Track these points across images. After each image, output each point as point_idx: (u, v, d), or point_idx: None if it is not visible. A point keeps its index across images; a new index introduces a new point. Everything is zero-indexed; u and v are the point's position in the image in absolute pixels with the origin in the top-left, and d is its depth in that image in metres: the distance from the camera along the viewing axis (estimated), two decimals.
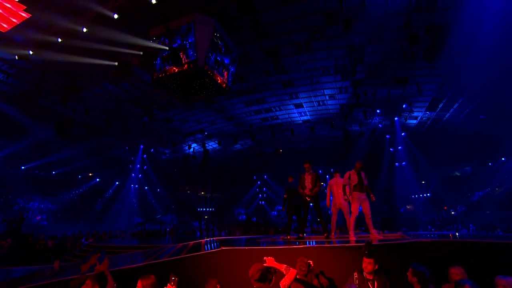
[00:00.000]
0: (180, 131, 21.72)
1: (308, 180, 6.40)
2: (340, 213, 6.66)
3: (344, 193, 6.14)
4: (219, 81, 11.80)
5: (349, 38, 11.77)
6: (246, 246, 4.13)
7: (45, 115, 15.31)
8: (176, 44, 10.43)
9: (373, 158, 22.21)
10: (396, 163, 23.19)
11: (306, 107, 18.70)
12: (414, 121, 19.65)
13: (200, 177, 27.35)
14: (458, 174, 24.07)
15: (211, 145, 24.69)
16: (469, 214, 18.06)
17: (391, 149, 22.23)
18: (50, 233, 14.50)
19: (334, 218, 6.73)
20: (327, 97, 17.25)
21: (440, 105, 17.22)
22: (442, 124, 19.73)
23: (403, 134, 20.21)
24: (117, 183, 24.99)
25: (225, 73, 12.00)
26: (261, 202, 29.96)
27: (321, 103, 18.03)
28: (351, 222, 6.04)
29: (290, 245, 4.04)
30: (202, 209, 30.14)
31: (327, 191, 6.86)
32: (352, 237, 5.69)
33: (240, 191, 29.27)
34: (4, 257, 8.54)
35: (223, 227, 20.65)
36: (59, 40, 7.97)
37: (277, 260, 2.64)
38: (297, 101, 18.09)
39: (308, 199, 6.27)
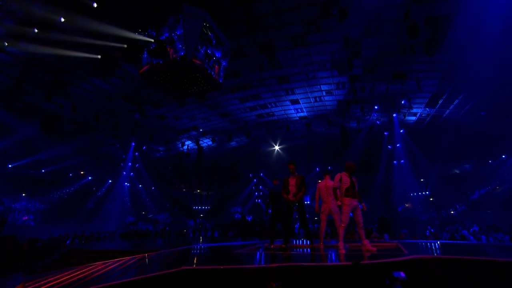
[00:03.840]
0: (173, 128, 21.28)
1: (292, 184, 5.82)
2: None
3: (336, 198, 5.47)
4: (210, 76, 11.32)
5: (346, 30, 11.35)
6: (213, 265, 3.59)
7: (32, 112, 14.83)
8: (163, 37, 9.95)
9: (370, 156, 21.86)
10: (394, 161, 22.82)
11: (302, 103, 18.29)
12: (413, 118, 19.28)
13: (195, 175, 26.96)
14: (457, 171, 23.77)
15: (206, 142, 24.28)
16: (469, 214, 17.78)
17: (389, 146, 21.85)
18: (37, 234, 14.05)
19: (323, 226, 6.05)
20: (324, 93, 16.84)
21: (440, 101, 16.85)
22: (442, 121, 19.39)
23: (401, 131, 19.83)
24: (110, 181, 24.56)
25: (216, 67, 11.52)
26: (258, 200, 29.61)
27: (318, 99, 17.62)
28: (340, 232, 5.34)
29: (265, 263, 3.55)
30: (198, 208, 29.78)
31: (316, 196, 6.26)
32: (342, 249, 5.10)
33: (236, 189, 28.92)
34: None
35: (216, 227, 20.29)
36: (36, 30, 7.51)
37: (246, 284, 2.24)
38: (293, 97, 17.68)
39: (292, 205, 5.69)
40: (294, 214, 6.03)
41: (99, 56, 8.88)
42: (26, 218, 17.39)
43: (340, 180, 5.45)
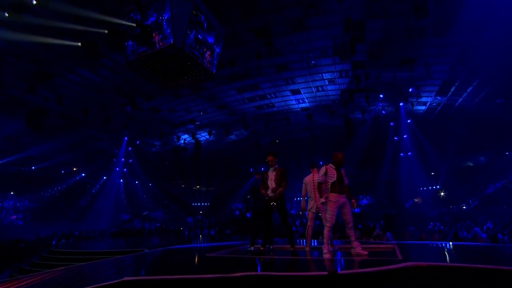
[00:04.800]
0: (168, 121, 20.94)
1: (271, 178, 5.29)
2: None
3: (321, 194, 4.96)
4: (201, 64, 10.83)
5: (348, 12, 10.74)
6: (164, 275, 3.17)
7: (16, 106, 14.55)
8: (149, 22, 9.45)
9: (375, 148, 21.30)
10: (401, 153, 22.15)
11: (304, 93, 17.76)
12: (423, 107, 18.62)
13: (193, 170, 26.71)
14: (471, 164, 23.08)
15: (204, 136, 23.93)
16: (482, 209, 17.20)
17: (395, 137, 21.19)
18: (25, 234, 13.95)
19: (310, 225, 5.62)
20: (326, 82, 16.28)
21: (452, 89, 16.16)
22: (454, 110, 18.70)
23: (409, 121, 19.14)
24: (104, 177, 24.43)
25: (208, 53, 10.98)
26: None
27: (320, 88, 17.07)
28: (325, 233, 4.84)
29: (229, 271, 3.14)
30: (197, 204, 29.61)
31: (303, 191, 5.81)
32: (326, 253, 4.60)
33: (236, 185, 28.60)
34: None
35: (213, 225, 20.04)
36: (6, 14, 7.11)
37: None
38: (293, 87, 17.16)
39: (271, 202, 5.16)
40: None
41: (79, 44, 8.45)
42: (15, 217, 17.28)
43: (326, 173, 4.91)
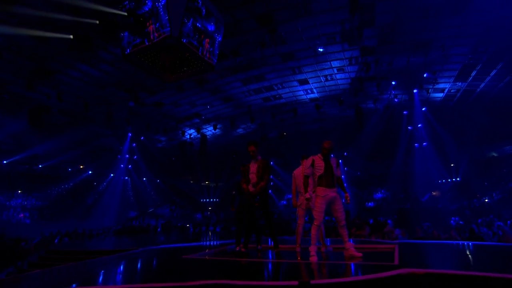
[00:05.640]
0: (173, 116, 20.90)
1: (253, 171, 4.91)
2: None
3: (306, 189, 4.50)
4: (200, 54, 10.55)
5: None
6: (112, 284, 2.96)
7: (18, 104, 14.76)
8: (144, 10, 9.18)
9: (388, 139, 20.59)
10: (416, 144, 21.29)
11: (312, 83, 17.30)
12: (440, 94, 17.82)
13: (201, 165, 26.71)
14: (494, 154, 22.04)
15: (210, 130, 23.80)
16: (507, 203, 16.39)
17: (409, 127, 20.39)
18: (32, 232, 14.32)
19: (300, 223, 5.16)
20: (335, 70, 15.77)
21: (473, 73, 15.34)
22: (476, 96, 17.82)
23: (423, 109, 18.31)
24: (111, 175, 24.77)
25: (207, 42, 10.65)
26: (268, 191, 29.06)
27: (328, 77, 16.57)
28: (312, 233, 4.35)
29: (187, 279, 2.86)
30: (206, 200, 29.71)
31: (292, 186, 5.39)
32: (313, 255, 4.13)
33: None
34: None
35: (222, 221, 20.00)
36: None
37: None
38: (301, 77, 16.72)
39: (252, 198, 4.78)
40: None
41: (71, 36, 8.35)
42: (22, 215, 17.76)
43: (312, 164, 4.47)
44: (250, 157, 5.04)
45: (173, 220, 22.28)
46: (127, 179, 26.43)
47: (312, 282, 2.48)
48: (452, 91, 17.53)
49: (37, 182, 20.70)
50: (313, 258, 4.07)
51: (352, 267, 3.76)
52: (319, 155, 4.52)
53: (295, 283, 2.43)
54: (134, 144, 23.37)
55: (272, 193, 28.01)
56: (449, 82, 16.50)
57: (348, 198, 4.47)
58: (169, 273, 3.83)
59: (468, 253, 4.79)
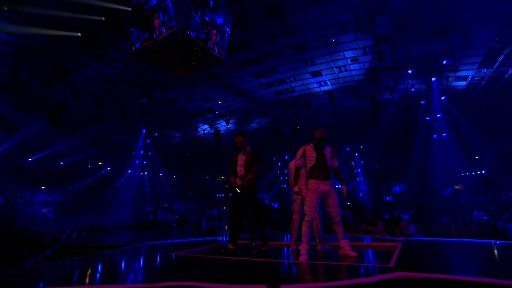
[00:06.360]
0: (186, 111, 21.09)
1: (240, 163, 4.64)
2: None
3: (296, 181, 4.18)
4: (208, 48, 10.47)
5: None
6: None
7: (38, 104, 15.36)
8: (151, 4, 9.18)
9: (404, 130, 19.76)
10: (434, 135, 20.28)
11: (325, 75, 16.88)
12: (463, 83, 16.87)
13: (215, 160, 26.88)
14: None
15: (224, 125, 23.87)
16: None
17: (427, 117, 19.43)
18: (54, 226, 15.05)
19: (295, 219, 4.82)
20: (349, 61, 15.29)
21: (500, 58, 14.37)
22: (503, 83, 16.72)
23: (442, 98, 17.37)
24: (129, 171, 25.48)
25: (214, 33, 10.53)
26: (283, 185, 28.91)
27: (342, 68, 16.09)
28: (303, 230, 4.01)
29: (162, 278, 2.72)
30: (221, 195, 29.94)
31: (290, 179, 5.03)
32: (303, 254, 3.83)
33: (259, 174, 28.43)
34: None
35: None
36: (5, 8, 7.27)
37: None
38: (314, 69, 16.34)
39: (240, 192, 4.51)
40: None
41: (79, 34, 8.50)
42: (45, 210, 18.67)
43: (304, 155, 4.12)
44: (238, 148, 4.81)
45: (188, 215, 22.64)
46: (142, 174, 27.10)
47: (283, 286, 2.30)
48: (476, 78, 16.55)
49: (60, 178, 21.67)
50: (303, 258, 3.79)
51: (340, 269, 3.44)
52: (311, 144, 4.19)
53: (264, 287, 2.28)
54: (148, 141, 23.85)
55: (288, 188, 27.87)
56: (473, 69, 15.58)
57: (345, 191, 4.14)
58: (141, 272, 3.71)
59: (486, 253, 4.29)
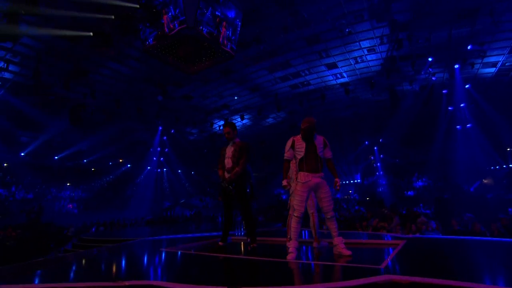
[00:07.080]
0: (202, 108, 21.28)
1: (228, 155, 4.46)
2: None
3: (285, 175, 3.96)
4: (220, 43, 10.41)
5: None
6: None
7: (60, 105, 16.04)
8: (157, 1, 9.25)
9: (426, 122, 18.76)
10: (458, 126, 19.10)
11: (341, 66, 16.40)
12: (492, 70, 15.79)
13: None
14: None
15: (239, 121, 23.91)
16: None
17: (449, 107, 18.38)
18: (79, 221, 15.87)
19: (291, 214, 4.48)
20: (366, 51, 14.73)
21: None
22: None
23: (467, 86, 16.34)
24: (148, 168, 26.22)
25: (224, 28, 10.46)
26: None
27: (359, 59, 15.56)
28: (292, 226, 3.79)
29: (118, 278, 2.64)
30: None
31: (283, 171, 4.98)
32: (292, 252, 3.61)
33: (277, 169, 28.32)
34: (10, 249, 9.08)
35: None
36: (22, 12, 7.58)
37: None
38: (329, 61, 15.91)
39: (227, 186, 4.33)
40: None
41: (91, 33, 8.71)
42: (71, 206, 19.67)
43: (293, 146, 3.88)
44: (226, 140, 4.66)
45: (205, 210, 22.98)
46: (161, 171, 27.82)
47: None
48: (507, 64, 15.44)
49: (83, 175, 22.77)
50: (291, 256, 3.57)
51: (323, 269, 3.19)
52: (299, 135, 3.94)
53: None
54: (165, 137, 24.37)
55: None
56: (503, 54, 14.51)
57: (338, 184, 3.82)
58: (116, 268, 3.63)
59: (503, 254, 3.87)
